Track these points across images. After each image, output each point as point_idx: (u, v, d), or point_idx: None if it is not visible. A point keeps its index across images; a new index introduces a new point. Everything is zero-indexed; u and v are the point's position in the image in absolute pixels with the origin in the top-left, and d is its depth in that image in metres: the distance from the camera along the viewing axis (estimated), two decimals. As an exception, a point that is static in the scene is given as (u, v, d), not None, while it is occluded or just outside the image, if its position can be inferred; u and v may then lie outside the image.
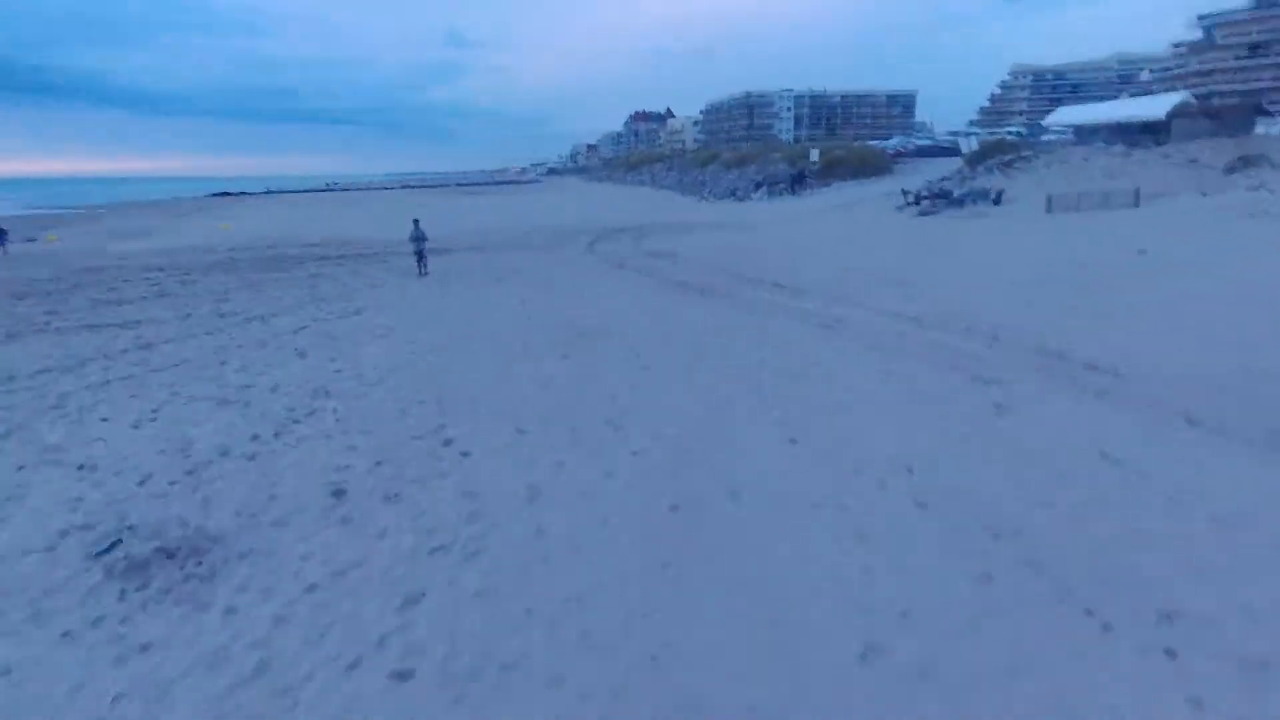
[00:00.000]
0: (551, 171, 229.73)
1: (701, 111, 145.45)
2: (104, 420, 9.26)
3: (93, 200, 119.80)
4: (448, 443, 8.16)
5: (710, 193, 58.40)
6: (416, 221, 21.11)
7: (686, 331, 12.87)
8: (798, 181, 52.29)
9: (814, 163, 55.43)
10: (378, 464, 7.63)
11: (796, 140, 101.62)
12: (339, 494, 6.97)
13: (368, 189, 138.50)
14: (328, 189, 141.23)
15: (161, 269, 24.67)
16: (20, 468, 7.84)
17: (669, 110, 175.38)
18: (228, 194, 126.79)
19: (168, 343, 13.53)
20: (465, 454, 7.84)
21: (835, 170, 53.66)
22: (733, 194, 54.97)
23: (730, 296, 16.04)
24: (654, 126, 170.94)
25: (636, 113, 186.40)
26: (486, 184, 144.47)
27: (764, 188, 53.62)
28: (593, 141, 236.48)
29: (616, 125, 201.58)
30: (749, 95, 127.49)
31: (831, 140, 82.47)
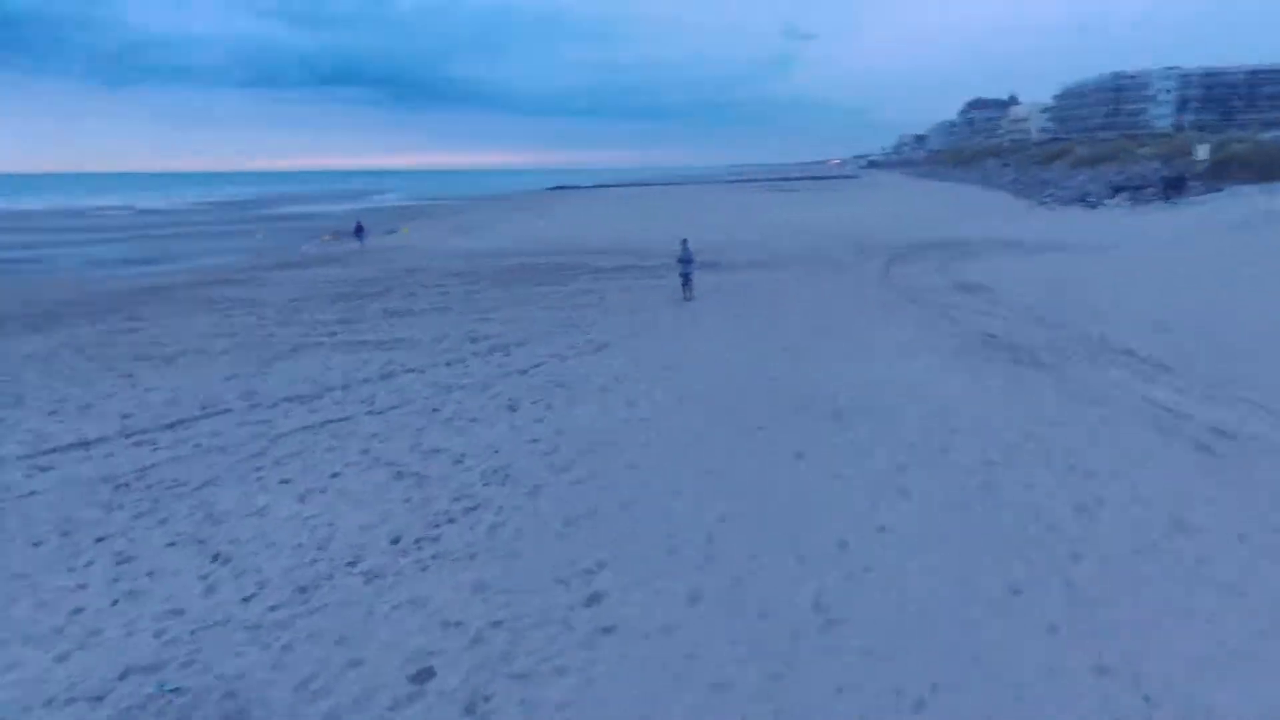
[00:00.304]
0: (871, 164, 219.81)
1: (1054, 97, 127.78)
2: (282, 482, 8.68)
3: (458, 192, 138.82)
4: (593, 600, 6.10)
5: (1052, 196, 49.84)
6: (685, 242, 19.49)
7: (979, 430, 9.46)
8: (1174, 186, 42.26)
9: (1201, 160, 44.51)
10: (493, 625, 5.82)
11: (1178, 130, 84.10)
12: (421, 678, 5.26)
13: (685, 183, 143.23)
14: (650, 184, 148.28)
15: (459, 274, 26.04)
16: (171, 544, 7.32)
17: (1012, 96, 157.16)
18: (562, 188, 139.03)
19: (407, 373, 13.26)
20: (606, 630, 5.73)
21: (1230, 170, 42.50)
22: (1082, 199, 46.22)
23: (1055, 368, 12.00)
24: (993, 115, 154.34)
25: (974, 100, 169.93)
26: (801, 179, 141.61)
27: (1125, 193, 44.26)
28: (921, 131, 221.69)
29: (950, 114, 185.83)
30: (1116, 76, 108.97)
31: (1228, 131, 66.58)
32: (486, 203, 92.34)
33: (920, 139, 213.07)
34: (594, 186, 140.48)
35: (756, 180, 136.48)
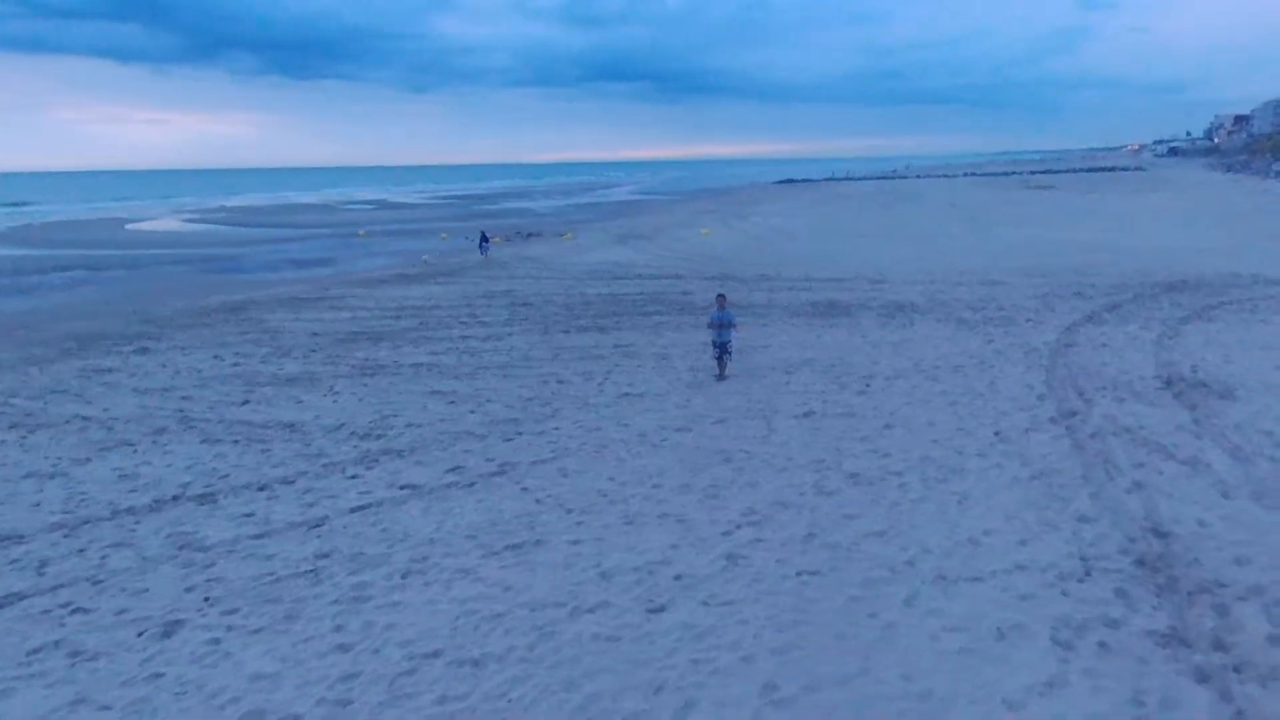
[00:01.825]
0: (1173, 152, 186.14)
1: None
2: None
3: (692, 185, 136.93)
4: None
5: None
6: (721, 299, 13.68)
7: None
8: None
9: None
10: None
11: None
12: None
13: (928, 176, 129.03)
14: (888, 177, 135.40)
15: (528, 304, 22.13)
16: None
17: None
18: (791, 181, 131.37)
19: (190, 501, 9.36)
20: None
21: None
22: None
23: None
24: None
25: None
26: (1072, 170, 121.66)
27: None
28: (1244, 111, 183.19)
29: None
30: None
31: None
32: (700, 199, 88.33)
33: (1241, 120, 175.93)
34: (827, 179, 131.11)
35: (1014, 174, 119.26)
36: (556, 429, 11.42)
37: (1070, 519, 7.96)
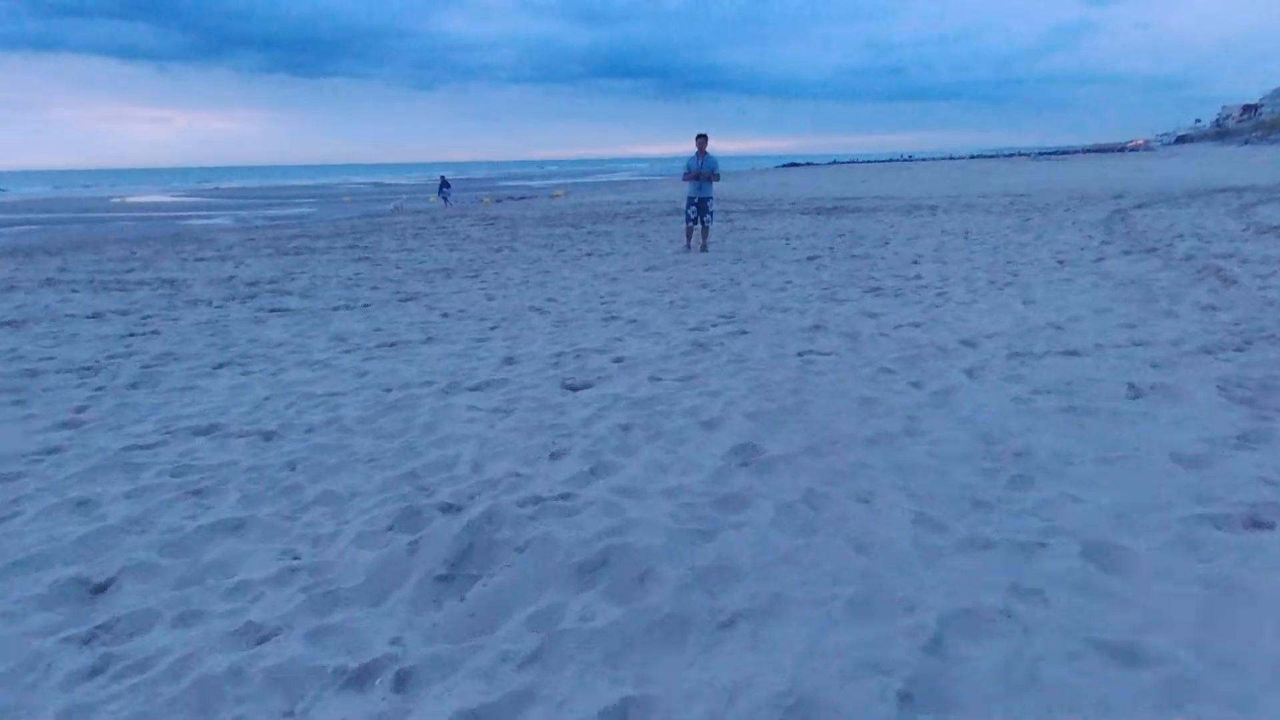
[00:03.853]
0: (1180, 140, 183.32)
1: None
2: None
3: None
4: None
5: None
6: (702, 139, 11.14)
7: None
8: None
9: None
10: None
11: None
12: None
13: (940, 159, 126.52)
14: (901, 159, 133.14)
15: (500, 218, 19.72)
16: None
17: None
18: (795, 164, 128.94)
19: (-8, 325, 6.96)
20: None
21: None
22: None
23: None
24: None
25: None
26: (1071, 152, 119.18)
27: None
28: (1253, 101, 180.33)
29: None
30: None
31: None
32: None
33: (1251, 108, 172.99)
34: (831, 163, 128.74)
35: (1018, 155, 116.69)
36: (495, 274, 9.04)
37: (1191, 308, 5.55)
